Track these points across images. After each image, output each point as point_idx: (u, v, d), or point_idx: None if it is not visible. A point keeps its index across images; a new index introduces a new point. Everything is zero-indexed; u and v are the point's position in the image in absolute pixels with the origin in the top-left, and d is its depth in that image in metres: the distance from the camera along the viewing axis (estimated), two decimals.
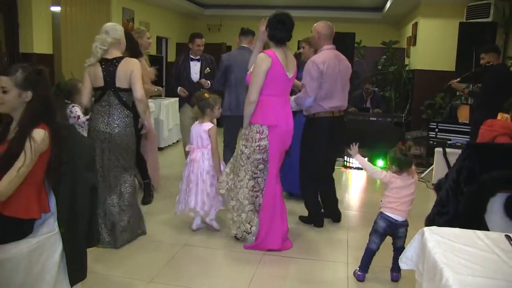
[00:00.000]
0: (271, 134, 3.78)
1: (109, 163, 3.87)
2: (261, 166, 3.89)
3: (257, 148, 3.81)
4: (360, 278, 3.43)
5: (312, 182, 4.50)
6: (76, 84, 4.64)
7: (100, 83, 3.84)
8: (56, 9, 7.14)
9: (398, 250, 3.29)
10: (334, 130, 4.36)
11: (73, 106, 4.68)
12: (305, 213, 4.66)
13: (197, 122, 4.34)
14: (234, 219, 4.01)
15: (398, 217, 3.27)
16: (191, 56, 6.09)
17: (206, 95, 4.33)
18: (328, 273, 3.62)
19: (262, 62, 3.69)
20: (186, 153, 5.79)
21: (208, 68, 6.07)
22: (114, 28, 3.92)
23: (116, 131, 3.85)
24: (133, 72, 3.85)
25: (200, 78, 6.01)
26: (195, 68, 6.04)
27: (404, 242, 3.28)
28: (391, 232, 3.33)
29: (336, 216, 4.70)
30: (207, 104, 4.27)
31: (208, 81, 5.98)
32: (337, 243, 4.18)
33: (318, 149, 4.36)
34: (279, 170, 4.00)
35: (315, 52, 4.99)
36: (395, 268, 3.40)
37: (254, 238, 3.96)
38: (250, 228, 3.97)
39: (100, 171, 3.83)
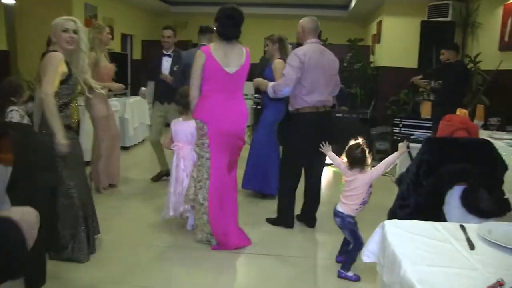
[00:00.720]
0: (210, 132, 3.71)
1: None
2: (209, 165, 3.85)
3: (202, 145, 3.78)
4: (336, 259, 3.69)
5: (290, 179, 4.39)
6: (21, 83, 4.35)
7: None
8: (9, 2, 6.86)
9: (345, 239, 3.59)
10: (320, 126, 4.19)
11: (11, 110, 4.10)
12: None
13: (181, 119, 4.29)
14: (196, 222, 3.97)
15: (338, 206, 3.45)
16: (163, 52, 5.90)
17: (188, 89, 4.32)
18: (294, 266, 3.68)
19: (197, 58, 3.70)
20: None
21: (177, 65, 5.71)
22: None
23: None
24: (46, 67, 3.29)
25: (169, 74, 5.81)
26: (165, 64, 5.85)
27: (347, 233, 3.45)
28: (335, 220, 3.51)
29: (311, 221, 4.51)
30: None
31: (171, 77, 5.71)
32: (304, 239, 4.24)
33: (300, 145, 4.26)
34: (231, 166, 3.92)
35: (279, 50, 5.04)
36: (341, 252, 3.68)
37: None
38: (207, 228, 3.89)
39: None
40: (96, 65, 5.05)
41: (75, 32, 3.42)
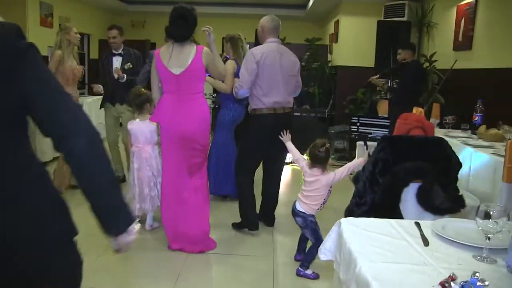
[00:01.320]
0: (162, 132, 3.79)
1: None
2: None
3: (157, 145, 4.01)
4: (295, 258, 3.74)
5: (245, 183, 4.32)
6: None
7: None
8: None
9: (302, 236, 3.65)
10: (277, 129, 4.02)
11: None
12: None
13: (137, 119, 4.22)
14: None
15: (297, 205, 3.47)
16: (113, 51, 5.76)
17: (143, 90, 4.26)
18: (254, 265, 3.69)
19: (152, 60, 3.81)
20: (114, 152, 5.69)
21: (129, 64, 5.66)
22: None
23: None
24: None
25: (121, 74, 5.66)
26: (116, 63, 5.69)
27: (308, 232, 3.48)
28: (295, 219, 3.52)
29: (270, 220, 4.54)
30: (146, 98, 4.18)
31: (124, 75, 5.56)
32: (263, 239, 4.25)
33: (255, 147, 4.22)
34: (191, 172, 3.81)
35: (232, 49, 5.00)
36: (299, 250, 3.74)
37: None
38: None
39: None
40: (61, 64, 4.99)
41: None
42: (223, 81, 4.50)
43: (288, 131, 3.77)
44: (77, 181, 1.39)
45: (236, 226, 4.43)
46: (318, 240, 3.38)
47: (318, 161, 3.36)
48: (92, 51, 11.58)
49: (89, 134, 1.37)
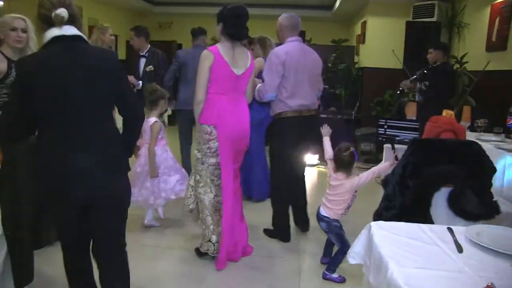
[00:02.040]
0: (220, 135, 3.50)
1: None
2: (217, 171, 3.61)
3: (208, 151, 3.54)
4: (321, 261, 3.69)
5: (282, 190, 4.15)
6: None
7: None
8: None
9: (328, 240, 3.60)
10: (303, 132, 3.97)
11: None
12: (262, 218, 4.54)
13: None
14: (204, 232, 3.66)
15: (321, 210, 3.43)
16: (139, 53, 5.76)
17: (158, 86, 4.27)
18: (279, 268, 3.65)
19: (205, 59, 3.45)
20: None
21: (151, 66, 5.63)
22: None
23: None
24: None
25: (141, 76, 5.64)
26: (141, 66, 5.71)
27: (333, 237, 3.43)
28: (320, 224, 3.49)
29: (304, 225, 4.35)
30: (162, 95, 4.19)
31: (139, 82, 5.53)
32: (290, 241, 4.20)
33: (284, 153, 4.02)
34: (237, 172, 3.73)
35: (262, 50, 4.92)
36: (325, 254, 3.69)
37: (216, 249, 3.65)
38: (214, 238, 3.63)
39: None
40: None
41: (24, 31, 3.36)
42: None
43: (326, 125, 3.69)
44: (126, 133, 2.45)
45: (268, 234, 4.29)
46: (344, 244, 3.34)
47: (343, 165, 3.31)
48: (120, 52, 11.70)
49: (140, 117, 2.52)
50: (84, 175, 2.17)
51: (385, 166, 3.36)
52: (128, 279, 2.49)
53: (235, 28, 3.48)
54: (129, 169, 2.43)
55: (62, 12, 2.12)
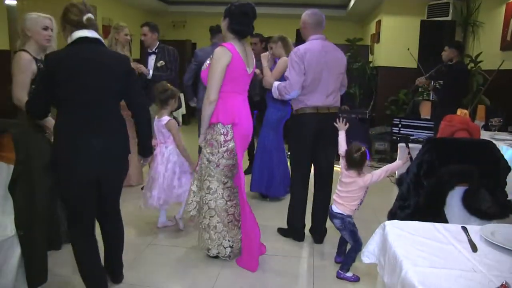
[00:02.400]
0: (236, 135, 3.44)
1: None
2: (229, 173, 3.56)
3: (226, 153, 3.45)
4: (335, 260, 3.70)
5: (300, 187, 4.10)
6: None
7: None
8: (11, 2, 6.88)
9: (341, 239, 3.60)
10: (320, 130, 3.91)
11: None
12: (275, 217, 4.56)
13: (156, 116, 4.21)
14: (212, 237, 3.60)
15: (334, 207, 3.43)
16: (148, 50, 5.69)
17: (169, 85, 4.25)
18: (293, 267, 3.66)
19: (222, 57, 3.33)
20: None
21: (162, 61, 5.58)
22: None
23: None
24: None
25: (152, 71, 5.56)
26: (151, 63, 5.64)
27: (347, 234, 3.43)
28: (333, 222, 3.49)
29: (318, 236, 4.14)
30: (172, 94, 4.17)
31: (150, 70, 5.53)
32: (304, 240, 4.21)
33: (302, 150, 4.00)
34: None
35: (265, 49, 4.90)
36: (339, 252, 3.70)
37: (235, 251, 3.68)
38: (230, 241, 3.63)
39: None
40: None
41: (51, 30, 3.50)
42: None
43: (344, 121, 3.68)
44: (138, 129, 3.00)
45: (282, 233, 4.28)
46: (357, 243, 3.35)
47: (354, 165, 3.32)
48: (134, 51, 11.73)
49: (146, 113, 3.00)
50: (99, 154, 2.68)
51: (398, 164, 3.37)
52: (123, 234, 3.18)
53: (241, 25, 3.42)
54: (130, 152, 2.93)
55: (91, 16, 2.69)
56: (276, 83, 4.07)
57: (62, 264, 3.42)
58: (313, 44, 3.92)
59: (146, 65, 5.61)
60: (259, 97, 5.69)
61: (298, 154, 4.06)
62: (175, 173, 4.17)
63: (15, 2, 6.94)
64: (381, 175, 3.28)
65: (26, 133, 2.75)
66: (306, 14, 4.05)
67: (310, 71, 3.83)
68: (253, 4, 3.47)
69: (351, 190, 3.34)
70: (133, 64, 5.06)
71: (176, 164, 4.17)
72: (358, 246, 3.33)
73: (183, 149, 4.17)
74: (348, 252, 3.46)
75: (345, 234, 3.45)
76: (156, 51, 5.62)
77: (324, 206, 3.90)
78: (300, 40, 4.23)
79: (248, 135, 3.61)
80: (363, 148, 3.31)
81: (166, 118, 4.15)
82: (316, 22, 4.00)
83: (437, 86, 6.05)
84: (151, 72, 5.50)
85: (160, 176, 4.12)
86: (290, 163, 4.27)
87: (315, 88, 3.88)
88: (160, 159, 4.15)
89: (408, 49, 7.21)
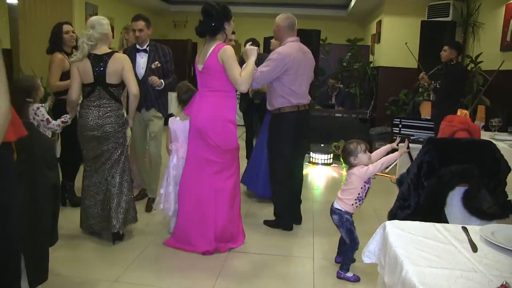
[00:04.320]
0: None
1: (102, 156, 3.87)
2: None
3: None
4: (336, 260, 3.70)
5: (284, 183, 4.31)
6: (34, 80, 4.13)
7: (90, 79, 3.80)
8: (13, 1, 6.89)
9: (341, 239, 3.59)
10: (300, 126, 4.22)
11: (38, 108, 3.99)
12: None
13: (177, 118, 4.14)
14: None
15: (335, 203, 3.48)
16: (137, 47, 4.78)
17: (190, 84, 4.24)
18: (293, 267, 3.67)
19: None
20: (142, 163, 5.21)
21: (157, 62, 4.67)
22: (100, 23, 3.87)
23: (109, 126, 3.83)
24: (125, 68, 3.84)
25: (146, 74, 4.65)
26: (140, 62, 4.71)
27: (343, 232, 3.44)
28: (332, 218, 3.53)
29: (298, 218, 4.53)
30: (194, 93, 4.06)
31: (161, 80, 4.65)
32: (302, 240, 4.22)
33: (286, 147, 4.21)
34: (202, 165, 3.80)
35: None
36: (339, 252, 3.67)
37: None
38: None
39: (92, 163, 3.91)
40: None
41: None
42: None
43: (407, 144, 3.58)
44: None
45: (270, 224, 4.44)
46: (353, 241, 3.36)
47: (343, 160, 3.45)
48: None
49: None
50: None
51: (395, 156, 3.37)
52: None
53: (201, 25, 3.73)
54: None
55: None
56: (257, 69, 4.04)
57: (64, 262, 3.44)
58: (293, 47, 4.13)
59: (134, 64, 4.53)
60: (259, 100, 5.68)
61: (283, 149, 4.23)
62: None
63: (16, 1, 6.95)
64: (377, 166, 3.28)
65: (29, 131, 2.75)
66: (280, 18, 4.23)
67: (293, 72, 4.06)
68: (210, 3, 3.70)
69: (348, 182, 3.38)
70: (153, 79, 4.56)
71: None
72: (354, 245, 3.35)
73: None
74: (345, 251, 3.47)
75: (342, 232, 3.46)
76: (148, 49, 4.76)
77: (300, 192, 4.53)
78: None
79: (192, 127, 3.80)
80: (345, 142, 3.37)
81: None
82: (289, 24, 4.20)
83: (437, 86, 6.07)
84: (163, 82, 4.69)
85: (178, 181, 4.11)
86: (272, 160, 4.39)
87: (298, 88, 4.13)
88: (181, 162, 4.07)
89: (406, 43, 7.22)
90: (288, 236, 4.26)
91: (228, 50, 3.60)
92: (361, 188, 3.36)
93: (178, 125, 4.09)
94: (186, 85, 4.22)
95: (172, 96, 8.55)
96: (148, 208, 4.77)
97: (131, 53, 4.68)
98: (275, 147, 4.30)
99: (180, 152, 4.09)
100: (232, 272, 3.53)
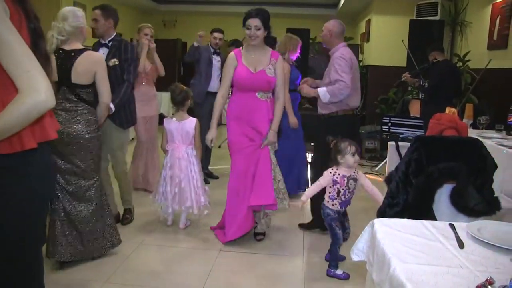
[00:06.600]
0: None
1: (68, 168, 3.35)
2: None
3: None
4: (325, 258, 3.71)
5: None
6: None
7: (55, 77, 3.25)
8: None
9: None
10: (353, 129, 4.24)
11: None
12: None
13: (173, 118, 4.20)
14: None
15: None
16: (101, 41, 4.35)
17: (182, 85, 4.27)
18: (283, 265, 3.69)
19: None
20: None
21: (115, 60, 4.14)
22: (75, 14, 3.40)
23: (78, 131, 3.32)
24: (99, 71, 3.40)
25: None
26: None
27: (327, 226, 3.50)
28: None
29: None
30: (187, 94, 4.19)
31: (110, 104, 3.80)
32: (293, 238, 4.24)
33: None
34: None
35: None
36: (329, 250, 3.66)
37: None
38: None
39: (59, 178, 3.32)
40: None
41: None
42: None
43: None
44: None
45: (305, 227, 4.43)
46: (334, 237, 3.40)
47: (331, 157, 3.51)
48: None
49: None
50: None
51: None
52: None
53: None
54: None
55: None
56: (323, 89, 4.07)
57: (53, 264, 3.43)
58: (348, 50, 4.15)
59: None
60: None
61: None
62: (200, 175, 4.26)
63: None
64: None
65: None
66: (332, 24, 4.24)
67: (355, 77, 4.13)
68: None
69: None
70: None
71: (184, 169, 4.19)
72: (335, 239, 3.39)
73: (201, 151, 4.32)
74: (329, 248, 3.50)
75: (326, 226, 3.50)
76: (110, 44, 4.27)
77: None
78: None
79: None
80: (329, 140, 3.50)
81: (193, 119, 4.19)
82: (342, 31, 4.25)
83: (425, 85, 6.11)
84: (113, 108, 3.93)
85: (194, 178, 4.16)
86: (316, 162, 4.40)
87: (356, 91, 4.18)
88: (184, 163, 4.15)
89: (403, 40, 7.28)
90: (279, 234, 4.28)
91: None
92: (330, 187, 3.41)
93: (175, 125, 4.13)
94: (180, 87, 4.25)
95: (163, 96, 8.61)
96: (126, 221, 4.41)
97: (95, 47, 4.30)
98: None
99: (176, 152, 4.11)
100: (222, 271, 3.54)
